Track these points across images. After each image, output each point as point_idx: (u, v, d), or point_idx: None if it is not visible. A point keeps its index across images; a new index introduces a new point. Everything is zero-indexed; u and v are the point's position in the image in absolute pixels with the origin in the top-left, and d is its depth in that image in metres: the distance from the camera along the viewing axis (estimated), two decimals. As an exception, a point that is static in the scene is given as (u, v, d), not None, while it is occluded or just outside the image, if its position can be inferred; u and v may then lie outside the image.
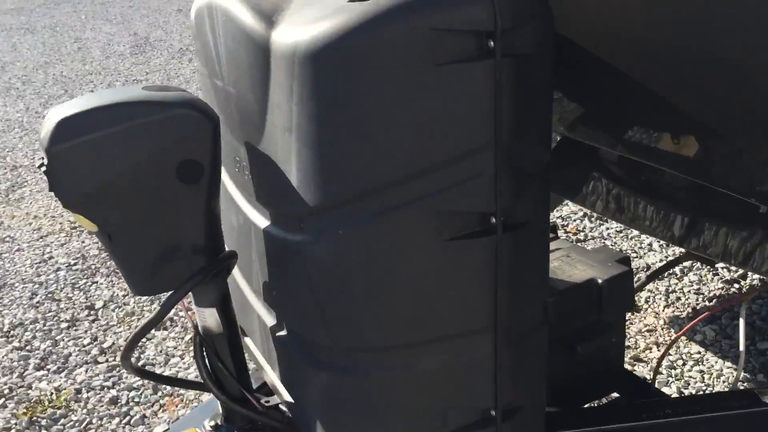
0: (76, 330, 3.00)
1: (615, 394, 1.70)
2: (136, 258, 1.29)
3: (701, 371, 2.31)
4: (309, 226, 1.15)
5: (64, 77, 7.40)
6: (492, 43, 0.96)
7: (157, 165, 1.22)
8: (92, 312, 3.12)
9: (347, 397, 1.19)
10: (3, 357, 2.85)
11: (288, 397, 1.39)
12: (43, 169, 1.19)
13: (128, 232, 1.27)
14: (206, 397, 2.45)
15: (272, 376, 1.46)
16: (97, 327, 3.01)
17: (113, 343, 2.87)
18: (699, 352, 2.40)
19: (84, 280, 3.39)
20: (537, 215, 1.11)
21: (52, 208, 4.23)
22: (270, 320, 1.40)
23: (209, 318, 1.40)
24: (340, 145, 1.05)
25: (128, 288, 1.37)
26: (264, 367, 1.49)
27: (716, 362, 2.35)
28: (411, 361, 1.13)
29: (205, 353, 1.44)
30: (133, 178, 1.22)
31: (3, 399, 2.59)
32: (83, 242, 3.74)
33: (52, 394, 2.61)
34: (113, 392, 2.59)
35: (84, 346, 2.87)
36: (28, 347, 2.90)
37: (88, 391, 2.61)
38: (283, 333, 1.34)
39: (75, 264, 3.54)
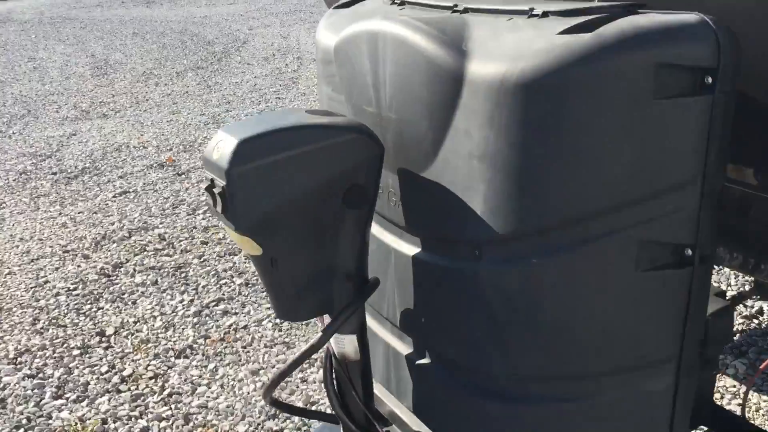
0: (89, 357, 2.89)
1: (703, 428, 1.74)
2: (291, 283, 1.27)
3: (740, 405, 2.38)
4: (490, 254, 1.15)
5: (24, 97, 7.18)
6: (710, 79, 1.00)
7: (329, 189, 1.22)
8: (104, 339, 3.02)
9: (516, 427, 1.19)
10: (15, 385, 2.72)
11: (419, 426, 1.37)
12: (216, 191, 1.17)
13: (290, 256, 1.25)
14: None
15: (393, 404, 1.45)
16: (113, 354, 2.90)
17: (133, 372, 2.77)
18: (734, 386, 2.48)
19: (88, 306, 3.27)
20: (714, 247, 1.14)
21: (37, 230, 4.08)
22: (405, 348, 1.39)
23: (348, 345, 1.38)
24: (545, 175, 1.06)
25: (272, 310, 1.34)
26: (382, 395, 1.47)
27: (752, 395, 2.43)
28: (590, 391, 1.14)
29: (334, 381, 1.42)
30: (306, 201, 1.21)
31: (22, 430, 2.47)
32: (79, 266, 3.62)
33: (76, 424, 2.50)
34: (142, 422, 2.50)
35: (102, 374, 2.77)
36: (40, 375, 2.78)
37: (115, 422, 2.51)
38: (425, 360, 1.33)
39: (75, 289, 3.42)
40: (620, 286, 1.09)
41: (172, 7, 13.23)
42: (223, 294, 3.30)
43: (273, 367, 2.78)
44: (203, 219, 4.13)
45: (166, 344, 2.96)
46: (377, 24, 1.28)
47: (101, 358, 2.88)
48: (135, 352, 2.92)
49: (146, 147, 5.44)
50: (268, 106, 6.33)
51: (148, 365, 2.83)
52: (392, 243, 1.35)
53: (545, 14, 1.12)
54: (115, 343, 2.98)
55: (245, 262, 3.56)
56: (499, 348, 1.17)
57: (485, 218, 1.13)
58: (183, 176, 4.80)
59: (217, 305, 3.22)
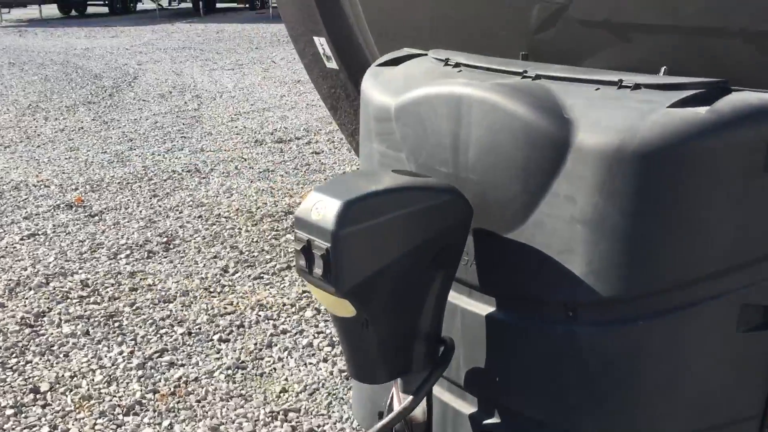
0: (25, 417, 2.67)
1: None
2: (378, 344, 1.25)
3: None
4: (587, 316, 1.18)
5: None
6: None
7: (425, 249, 1.21)
8: (39, 396, 2.79)
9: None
10: (-57, 451, 2.47)
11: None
12: (319, 253, 1.13)
13: (382, 318, 1.22)
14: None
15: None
16: (52, 413, 2.69)
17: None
18: None
19: (14, 359, 3.03)
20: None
21: (-60, 275, 3.75)
22: (467, 407, 1.38)
23: (418, 407, 1.36)
24: (657, 241, 1.11)
25: (349, 372, 1.30)
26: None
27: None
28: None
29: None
30: (404, 262, 1.19)
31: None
32: (-6, 316, 3.35)
33: (26, 492, 2.29)
34: (102, 488, 2.33)
35: (44, 436, 2.56)
36: (-27, 439, 2.54)
37: (70, 488, 2.32)
38: (494, 420, 1.34)
39: (-5, 341, 3.15)
40: (722, 347, 1.14)
41: (48, 37, 12.67)
42: (166, 344, 3.15)
43: (233, 422, 2.67)
44: (127, 264, 3.94)
45: (111, 400, 2.78)
46: (459, 88, 1.29)
47: (39, 418, 2.66)
48: (77, 410, 2.72)
49: (48, 186, 5.14)
50: (174, 144, 6.15)
51: (95, 424, 2.64)
52: (459, 302, 1.35)
53: (637, 86, 1.18)
54: (52, 401, 2.77)
55: (183, 310, 3.42)
56: (592, 406, 1.20)
57: (586, 280, 1.16)
58: (96, 218, 4.56)
59: (161, 356, 3.06)
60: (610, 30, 1.38)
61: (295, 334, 3.24)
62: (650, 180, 1.09)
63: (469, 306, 1.35)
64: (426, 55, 1.57)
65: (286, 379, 2.91)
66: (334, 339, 3.17)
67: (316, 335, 3.22)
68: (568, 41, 1.51)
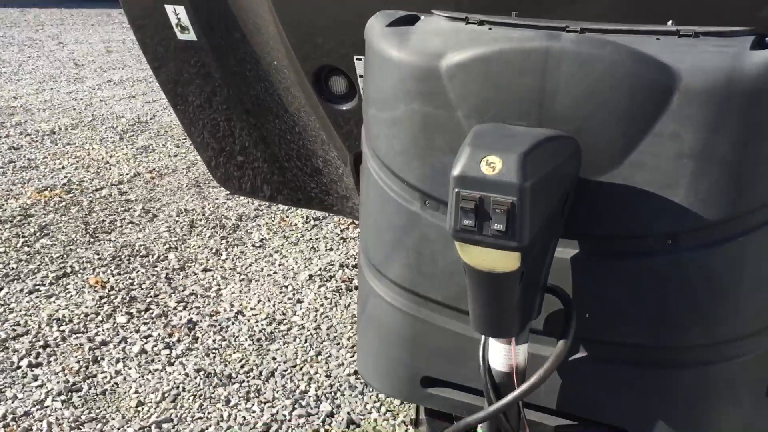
0: None
1: None
2: (521, 296, 1.26)
3: None
4: (688, 242, 1.33)
5: None
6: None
7: (563, 197, 1.25)
8: None
9: (711, 387, 1.38)
10: None
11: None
12: (501, 209, 1.12)
13: (532, 269, 1.24)
14: None
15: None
16: None
17: None
18: None
19: None
20: None
21: None
22: (546, 350, 1.45)
23: (521, 354, 1.38)
24: (756, 166, 1.29)
25: (482, 330, 1.29)
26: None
27: None
28: (762, 344, 1.40)
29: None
30: (555, 211, 1.22)
31: None
32: None
33: None
34: None
35: None
36: None
37: None
38: (582, 354, 1.43)
39: None
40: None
41: None
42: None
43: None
44: None
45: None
46: (542, 42, 1.33)
47: None
48: None
49: None
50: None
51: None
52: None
53: (697, 35, 1.34)
54: None
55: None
56: (697, 320, 1.35)
57: (691, 209, 1.30)
58: None
59: (-30, 398, 2.53)
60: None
61: (119, 343, 2.91)
62: (754, 113, 1.26)
63: (560, 253, 1.40)
64: (432, 14, 1.55)
65: (137, 391, 2.62)
66: (167, 341, 2.91)
67: (144, 339, 2.93)
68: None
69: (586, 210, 1.38)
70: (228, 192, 2.77)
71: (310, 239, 3.83)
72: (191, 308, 3.16)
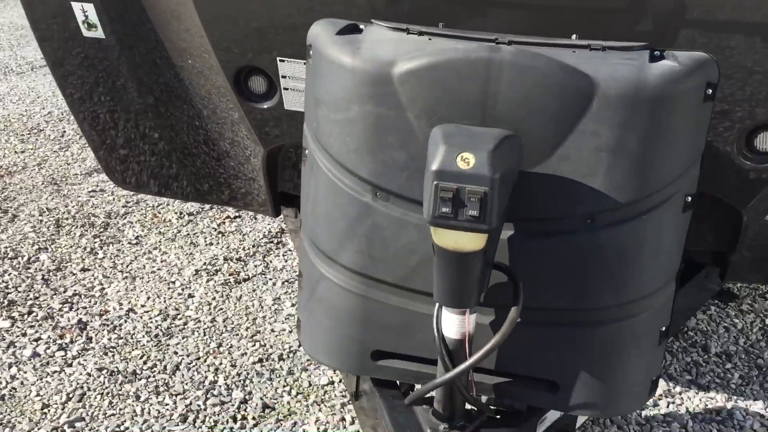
0: None
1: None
2: (481, 272, 1.48)
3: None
4: (603, 221, 1.61)
5: None
6: (711, 90, 1.66)
7: (514, 183, 1.48)
8: None
9: (620, 343, 1.68)
10: None
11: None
12: (475, 197, 1.33)
13: (491, 248, 1.46)
14: None
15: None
16: None
17: None
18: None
19: None
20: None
21: None
22: (485, 319, 1.69)
23: (472, 321, 1.60)
24: (658, 157, 1.58)
25: (445, 301, 1.49)
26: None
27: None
28: (655, 302, 1.71)
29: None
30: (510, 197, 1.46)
31: None
32: None
33: None
34: None
35: None
36: None
37: None
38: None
39: None
40: (674, 224, 1.68)
41: None
42: None
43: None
44: None
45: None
46: (485, 53, 1.55)
47: None
48: None
49: None
50: None
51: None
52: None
53: (605, 48, 1.62)
54: None
55: None
56: (609, 284, 1.63)
57: (607, 193, 1.58)
58: None
59: None
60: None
61: (8, 348, 2.85)
62: (655, 114, 1.55)
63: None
64: (373, 24, 1.72)
65: (38, 394, 2.60)
66: (59, 342, 2.88)
67: (34, 343, 2.88)
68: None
69: (521, 196, 1.61)
70: (126, 189, 2.76)
71: (188, 234, 3.85)
72: (78, 308, 3.11)
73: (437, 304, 1.58)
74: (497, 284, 1.65)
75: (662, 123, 1.57)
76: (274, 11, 2.04)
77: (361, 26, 1.74)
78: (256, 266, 3.53)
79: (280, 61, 2.11)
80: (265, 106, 2.22)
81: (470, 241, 1.39)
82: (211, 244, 3.76)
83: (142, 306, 3.16)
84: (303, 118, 1.90)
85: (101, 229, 3.86)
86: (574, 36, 1.71)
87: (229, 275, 3.45)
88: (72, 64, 2.39)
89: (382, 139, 1.63)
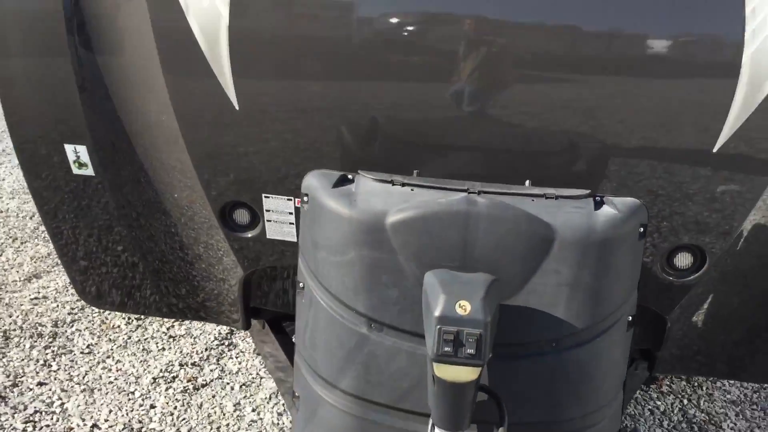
0: None
1: None
2: (473, 398, 1.73)
3: None
4: (565, 343, 1.91)
5: None
6: (642, 230, 2.02)
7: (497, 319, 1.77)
8: None
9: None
10: None
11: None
12: (472, 339, 1.60)
13: (480, 378, 1.72)
14: None
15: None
16: None
17: None
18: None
19: None
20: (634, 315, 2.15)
21: None
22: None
23: None
24: (608, 289, 1.91)
25: (443, 424, 1.72)
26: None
27: None
28: (609, 411, 2.01)
29: None
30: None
31: None
32: None
33: None
34: None
35: None
36: None
37: None
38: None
39: None
40: (623, 340, 2.00)
41: None
42: None
43: None
44: None
45: None
46: (465, 206, 1.85)
47: None
48: None
49: None
50: None
51: None
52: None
53: (557, 197, 1.96)
54: None
55: None
56: (573, 398, 1.92)
57: (567, 320, 1.88)
58: None
59: None
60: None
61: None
62: (603, 254, 1.88)
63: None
64: (359, 174, 2.00)
65: None
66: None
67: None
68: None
69: (499, 325, 1.89)
70: (98, 306, 2.88)
71: (138, 340, 3.94)
72: (41, 428, 3.16)
73: (431, 424, 1.82)
74: (478, 402, 1.91)
75: (609, 260, 1.90)
76: (262, 155, 2.29)
77: (350, 176, 2.01)
78: (212, 371, 3.66)
79: (265, 197, 2.35)
80: (249, 236, 2.44)
81: (467, 374, 1.65)
82: (163, 349, 3.87)
83: (106, 420, 3.24)
84: (282, 244, 2.13)
85: (50, 339, 3.90)
86: (527, 182, 2.04)
87: (187, 381, 3.56)
88: (57, 200, 2.55)
89: (376, 278, 1.89)
